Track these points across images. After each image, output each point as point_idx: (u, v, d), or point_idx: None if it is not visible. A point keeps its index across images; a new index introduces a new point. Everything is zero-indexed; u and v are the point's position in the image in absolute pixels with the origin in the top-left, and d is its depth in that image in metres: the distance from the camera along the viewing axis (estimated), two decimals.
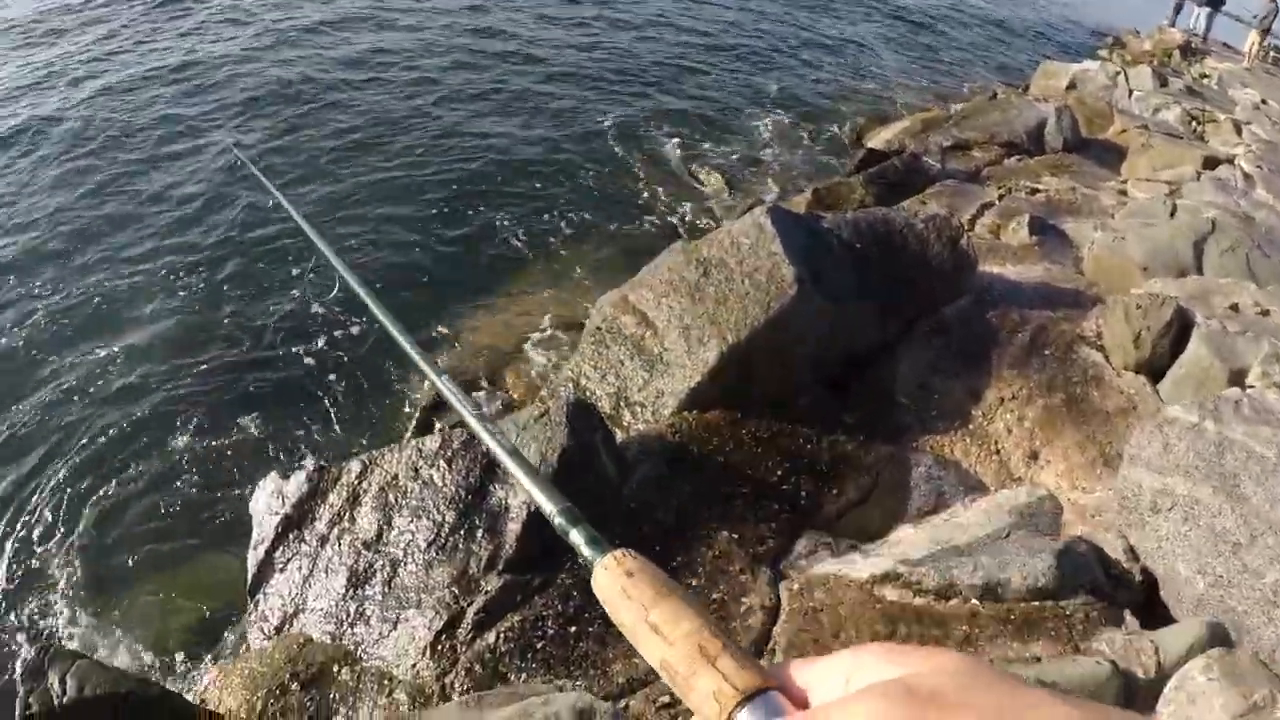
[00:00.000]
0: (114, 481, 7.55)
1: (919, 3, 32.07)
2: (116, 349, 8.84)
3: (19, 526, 7.25)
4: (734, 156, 13.82)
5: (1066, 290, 7.29)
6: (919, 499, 5.22)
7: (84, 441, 7.98)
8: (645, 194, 12.24)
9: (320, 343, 8.75)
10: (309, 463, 6.61)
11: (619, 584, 1.04)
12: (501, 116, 15.02)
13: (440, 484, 4.92)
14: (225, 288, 9.62)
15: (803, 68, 20.13)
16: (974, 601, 4.21)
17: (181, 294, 9.49)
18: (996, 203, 9.93)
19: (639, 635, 0.97)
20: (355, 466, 5.29)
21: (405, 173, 12.77)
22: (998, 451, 5.58)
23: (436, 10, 21.35)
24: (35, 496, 7.50)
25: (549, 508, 1.37)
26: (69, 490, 7.52)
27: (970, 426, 5.73)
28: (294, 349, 8.69)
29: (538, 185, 12.42)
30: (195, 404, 8.20)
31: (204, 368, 8.52)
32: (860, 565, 4.55)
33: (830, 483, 5.22)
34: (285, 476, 5.50)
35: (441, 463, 5.00)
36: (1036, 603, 4.19)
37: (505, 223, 11.34)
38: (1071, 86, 18.62)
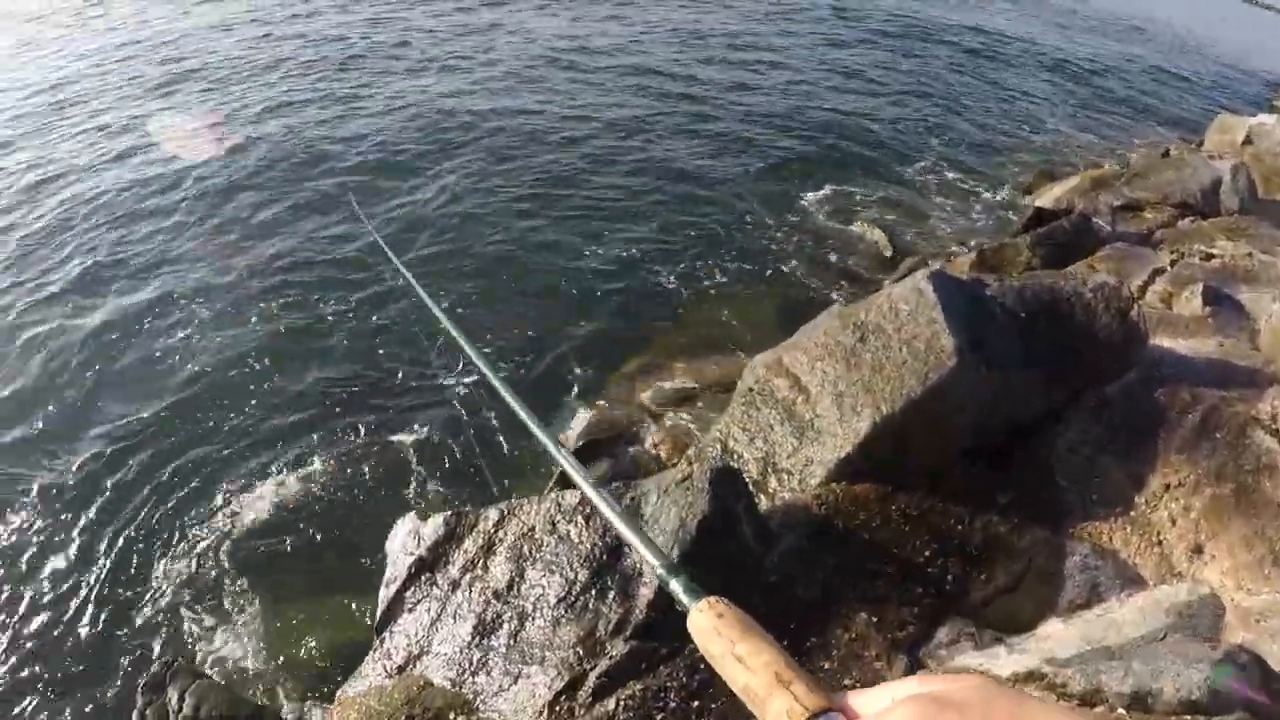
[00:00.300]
0: (253, 507, 7.75)
1: (1086, 53, 31.55)
2: (266, 389, 9.10)
3: (157, 543, 7.45)
4: (896, 210, 13.66)
5: (1241, 368, 6.94)
6: (1072, 590, 5.00)
7: (228, 462, 8.21)
8: (803, 247, 12.16)
9: (464, 392, 8.86)
10: (447, 508, 6.65)
11: (711, 623, 1.21)
12: (658, 163, 15.11)
13: (576, 540, 4.90)
14: (373, 341, 9.83)
15: (967, 119, 19.88)
16: (1120, 710, 4.00)
17: (332, 342, 9.74)
18: (1168, 269, 9.57)
19: (726, 664, 1.24)
20: (493, 515, 5.31)
21: (553, 218, 12.91)
22: (1159, 543, 5.31)
23: (592, 51, 21.62)
24: (172, 517, 7.72)
25: (652, 560, 1.48)
26: (209, 509, 7.74)
27: (1132, 513, 5.46)
28: (440, 397, 8.82)
29: (692, 233, 12.43)
30: (335, 441, 8.38)
31: (347, 410, 8.71)
32: (1003, 660, 4.38)
33: (980, 566, 5.04)
34: (423, 518, 5.56)
35: (579, 519, 4.98)
36: (1188, 717, 3.96)
37: (659, 271, 11.35)
38: (1248, 141, 17.97)
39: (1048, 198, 13.94)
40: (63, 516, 7.82)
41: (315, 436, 8.55)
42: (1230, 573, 5.11)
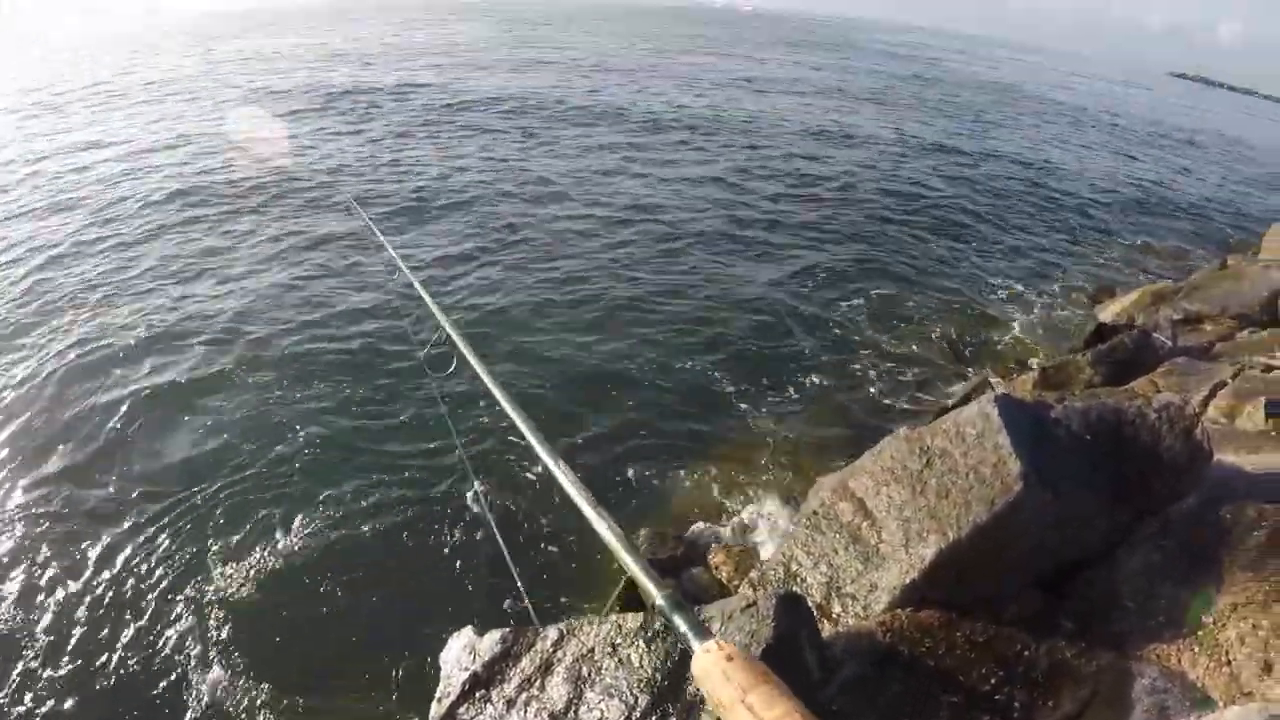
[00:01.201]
0: (307, 599, 7.82)
1: (1139, 168, 31.80)
2: (334, 480, 9.24)
3: (208, 631, 7.55)
4: (956, 325, 13.74)
5: None
6: (1141, 714, 4.99)
7: (284, 550, 8.31)
8: (867, 362, 12.24)
9: (532, 489, 8.94)
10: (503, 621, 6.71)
11: (720, 667, 1.19)
12: (727, 268, 15.34)
13: (637, 665, 4.93)
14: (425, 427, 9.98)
15: (1028, 233, 20.04)
16: None
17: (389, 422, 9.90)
18: (1230, 381, 9.57)
19: (734, 714, 1.12)
20: (552, 634, 5.37)
21: (615, 322, 13.12)
22: (1229, 662, 5.29)
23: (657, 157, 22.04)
24: (224, 603, 7.83)
25: (654, 591, 1.47)
26: (263, 599, 7.84)
27: (1199, 634, 5.45)
28: (505, 494, 8.91)
29: (753, 346, 12.59)
30: (395, 549, 8.45)
31: (394, 500, 8.80)
32: None
33: (1045, 693, 5.05)
34: (479, 633, 5.62)
35: (641, 643, 5.02)
36: None
37: (724, 383, 11.47)
38: None
39: (1108, 313, 14.01)
40: (86, 591, 7.99)
41: (366, 527, 8.66)
42: None
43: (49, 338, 12.20)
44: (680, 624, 1.30)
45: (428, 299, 4.44)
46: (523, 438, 2.55)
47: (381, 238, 7.41)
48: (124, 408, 10.49)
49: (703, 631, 1.22)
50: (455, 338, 3.58)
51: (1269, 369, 10.22)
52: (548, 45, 61.25)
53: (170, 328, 12.70)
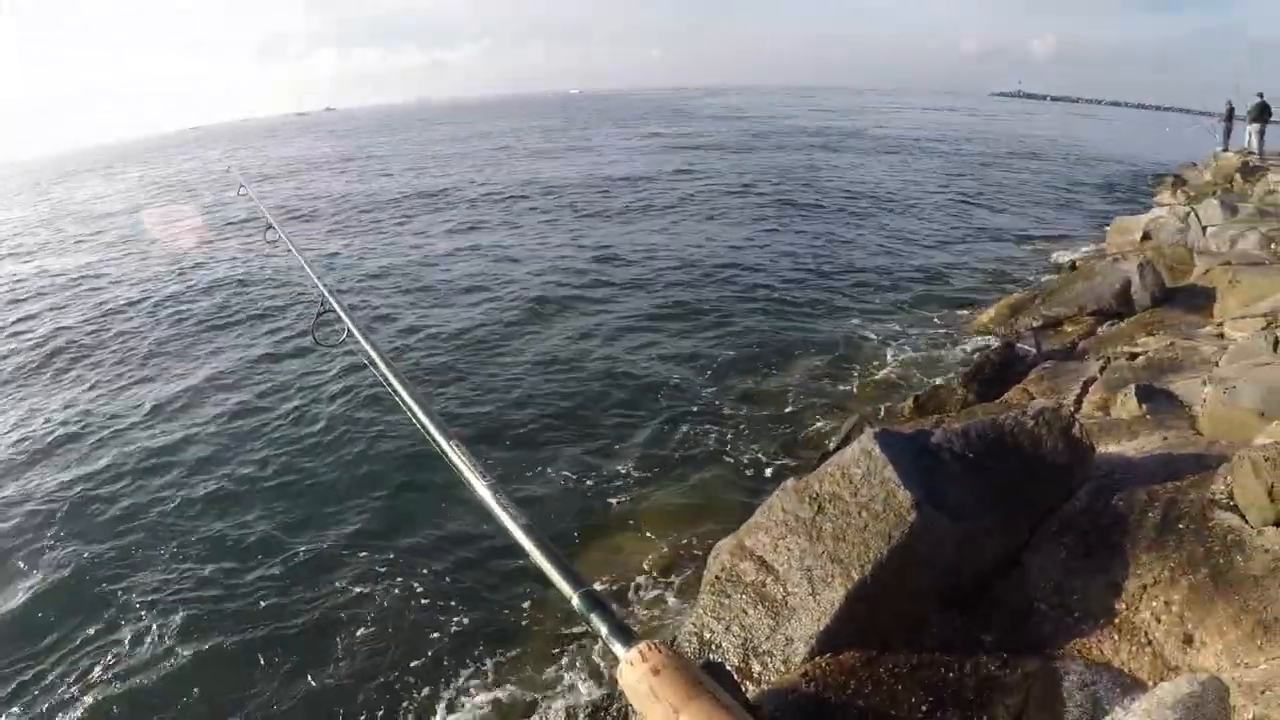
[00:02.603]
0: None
1: (979, 188, 32.76)
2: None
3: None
4: (823, 372, 13.87)
5: (1188, 455, 7.08)
6: (1075, 710, 4.99)
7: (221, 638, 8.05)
8: (738, 422, 12.28)
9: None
10: None
11: (646, 684, 0.98)
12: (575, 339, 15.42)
13: None
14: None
15: (876, 272, 20.44)
16: None
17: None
18: (1099, 376, 9.81)
19: None
20: None
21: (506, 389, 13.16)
22: (1149, 643, 5.34)
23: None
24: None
25: (567, 590, 1.27)
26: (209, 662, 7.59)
27: (1116, 621, 5.51)
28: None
29: (614, 418, 12.51)
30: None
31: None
32: None
33: (978, 710, 5.03)
34: None
35: None
36: None
37: (593, 461, 11.42)
38: (1146, 237, 18.64)
39: (969, 331, 14.30)
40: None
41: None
42: (1224, 653, 5.13)
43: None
44: (600, 626, 1.07)
45: (310, 273, 4.28)
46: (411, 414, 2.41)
47: (270, 219, 7.23)
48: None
49: (627, 635, 1.00)
50: (338, 309, 3.47)
51: (1134, 356, 10.50)
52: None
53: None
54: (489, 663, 7.84)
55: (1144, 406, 8.43)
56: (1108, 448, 7.43)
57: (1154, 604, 5.56)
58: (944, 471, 6.02)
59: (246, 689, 7.74)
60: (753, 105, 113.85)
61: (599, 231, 26.85)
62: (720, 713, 0.87)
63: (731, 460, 11.05)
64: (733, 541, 6.28)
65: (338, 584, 9.01)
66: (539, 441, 12.06)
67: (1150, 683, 5.19)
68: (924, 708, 5.04)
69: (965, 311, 16.24)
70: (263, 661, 8.03)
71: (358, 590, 8.90)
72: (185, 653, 8.22)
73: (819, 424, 11.75)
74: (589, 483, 10.80)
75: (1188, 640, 5.38)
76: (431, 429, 2.08)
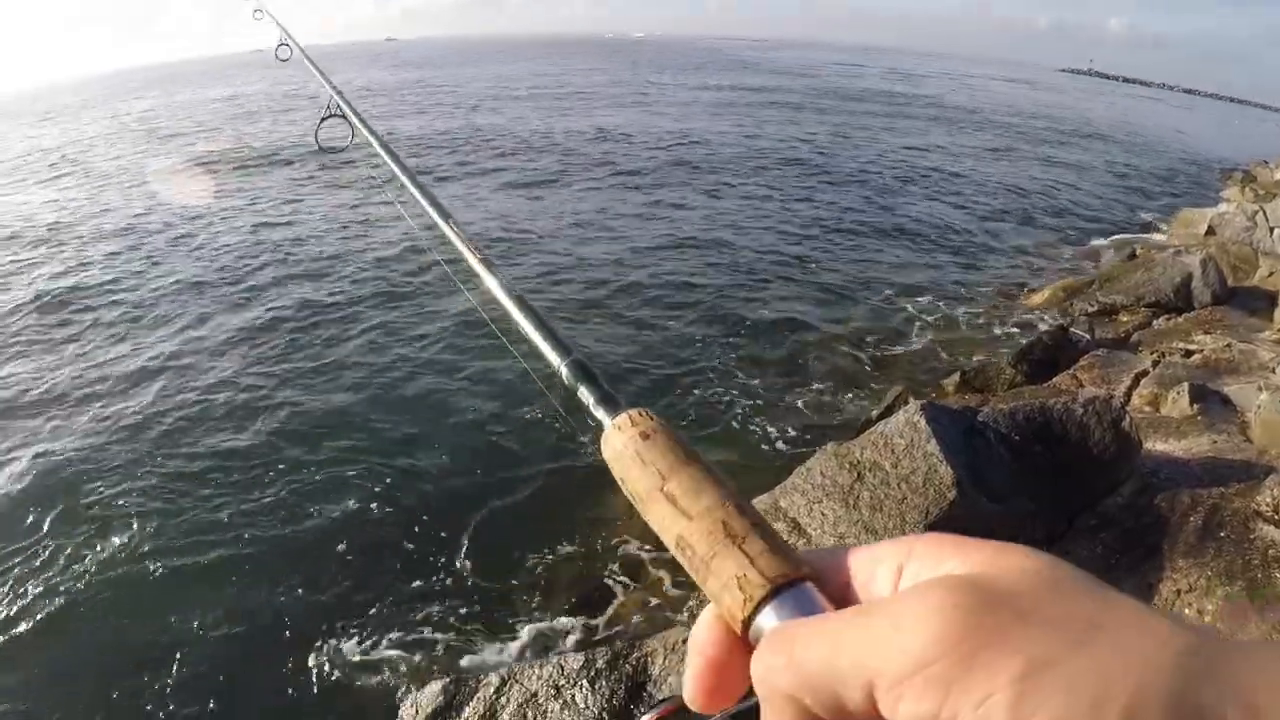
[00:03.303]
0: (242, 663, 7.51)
1: (1042, 168, 32.23)
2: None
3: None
4: (873, 339, 13.65)
5: (1236, 462, 6.95)
6: None
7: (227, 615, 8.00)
8: (783, 381, 12.12)
9: (466, 547, 8.65)
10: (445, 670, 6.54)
11: (633, 447, 0.87)
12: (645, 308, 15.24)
13: (582, 705, 4.84)
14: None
15: (935, 243, 20.10)
16: None
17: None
18: (1151, 370, 9.62)
19: (652, 507, 0.81)
20: (494, 680, 5.26)
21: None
22: None
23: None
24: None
25: (555, 360, 1.18)
26: (200, 638, 7.53)
27: None
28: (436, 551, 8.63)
29: (662, 369, 12.39)
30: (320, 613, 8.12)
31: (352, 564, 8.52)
32: None
33: None
34: (420, 686, 5.46)
35: (584, 683, 4.93)
36: None
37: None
38: (1211, 232, 18.28)
39: (1022, 311, 14.08)
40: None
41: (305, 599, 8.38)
42: None
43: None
44: (586, 395, 1.00)
45: (320, 77, 4.15)
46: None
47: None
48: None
49: (614, 404, 0.91)
50: (345, 109, 3.36)
51: (1189, 354, 10.31)
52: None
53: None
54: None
55: (1195, 407, 8.27)
56: (1154, 445, 7.29)
57: (1186, 611, 5.48)
58: (988, 451, 5.93)
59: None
60: (817, 63, 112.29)
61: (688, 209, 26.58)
62: (711, 484, 0.74)
63: (769, 420, 10.94)
64: (768, 500, 6.22)
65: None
66: None
67: None
68: None
69: (1015, 290, 16.00)
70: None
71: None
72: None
73: (861, 391, 11.60)
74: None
75: None
76: (431, 210, 2.03)
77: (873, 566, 0.68)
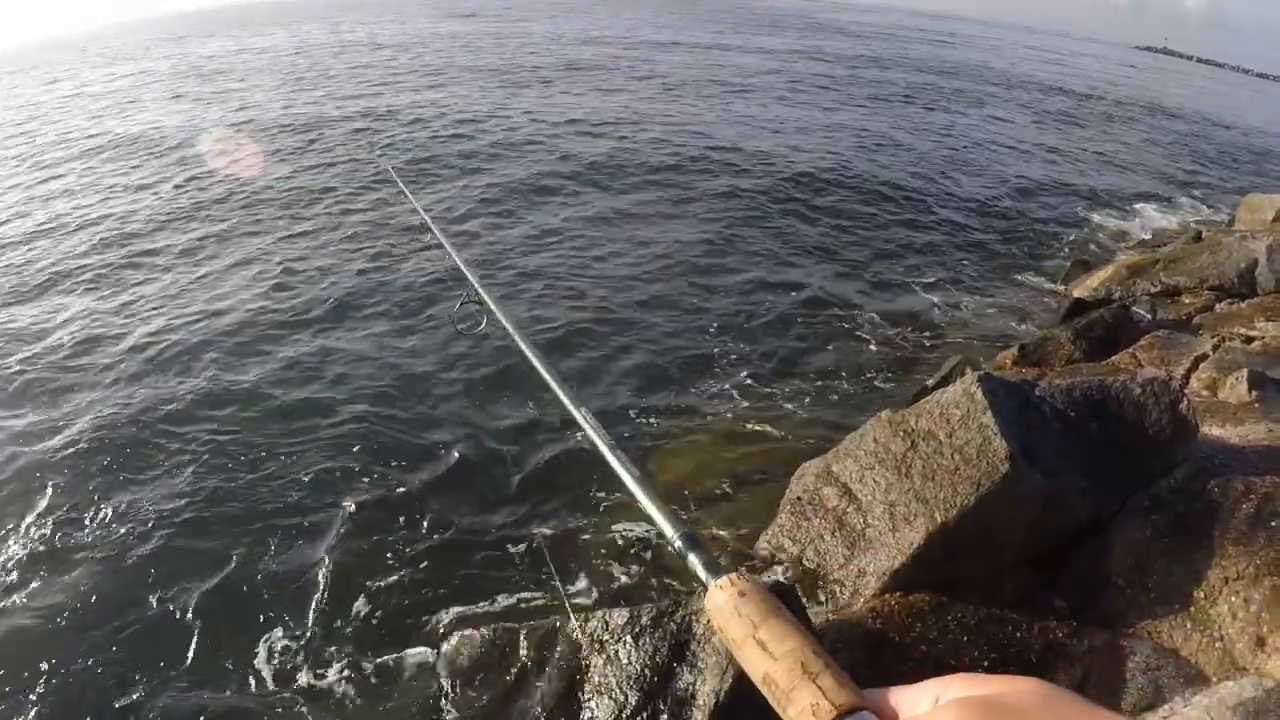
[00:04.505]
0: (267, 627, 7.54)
1: (1113, 145, 31.74)
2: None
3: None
4: (930, 307, 13.57)
5: None
6: (1135, 692, 4.92)
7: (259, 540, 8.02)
8: (839, 345, 12.08)
9: (514, 510, 8.66)
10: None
11: (732, 603, 1.15)
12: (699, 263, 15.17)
13: (625, 661, 4.87)
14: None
15: (1000, 215, 19.91)
16: None
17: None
18: (1210, 354, 9.50)
19: (745, 650, 1.15)
20: (537, 631, 5.29)
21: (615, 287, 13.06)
22: (1221, 638, 5.23)
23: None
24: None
25: (670, 531, 1.47)
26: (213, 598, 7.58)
27: (1191, 610, 5.40)
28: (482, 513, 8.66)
29: (744, 341, 12.31)
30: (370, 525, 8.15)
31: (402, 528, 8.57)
32: None
33: (1039, 674, 4.94)
34: (462, 634, 5.51)
35: (628, 639, 4.95)
36: None
37: (693, 368, 11.29)
38: (1278, 219, 17.95)
39: (1084, 287, 13.93)
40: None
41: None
42: None
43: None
44: (694, 561, 1.30)
45: (456, 258, 4.27)
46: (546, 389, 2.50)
47: (414, 201, 7.11)
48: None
49: (716, 568, 1.23)
50: (483, 295, 3.57)
51: (1250, 340, 10.17)
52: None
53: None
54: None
55: (1254, 393, 8.16)
56: (1210, 430, 7.21)
57: (1233, 599, 5.43)
58: (1043, 426, 5.90)
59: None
60: (886, 26, 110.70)
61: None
62: (793, 631, 1.01)
63: (823, 382, 10.90)
64: (820, 464, 6.23)
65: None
66: (619, 348, 11.92)
67: (1214, 679, 5.09)
68: (985, 663, 4.99)
69: (1079, 265, 15.84)
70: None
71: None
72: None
73: (917, 360, 11.56)
74: (690, 391, 10.69)
75: (1260, 643, 5.26)
76: (564, 397, 2.27)
77: (917, 699, 0.95)
